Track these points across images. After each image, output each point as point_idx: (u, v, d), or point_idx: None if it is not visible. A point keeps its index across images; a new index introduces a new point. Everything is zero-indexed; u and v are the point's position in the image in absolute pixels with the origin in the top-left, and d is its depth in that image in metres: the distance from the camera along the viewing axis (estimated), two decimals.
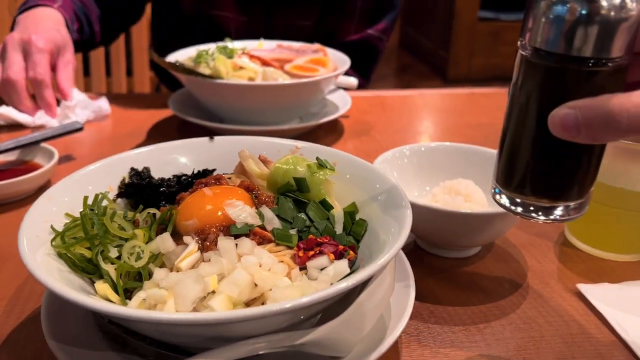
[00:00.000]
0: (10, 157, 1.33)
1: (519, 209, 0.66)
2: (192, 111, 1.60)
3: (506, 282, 0.98)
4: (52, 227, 0.76)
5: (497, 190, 0.69)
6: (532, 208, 0.65)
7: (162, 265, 0.76)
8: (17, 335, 0.84)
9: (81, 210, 0.81)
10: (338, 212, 0.86)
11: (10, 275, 0.98)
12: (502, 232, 1.01)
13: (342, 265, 0.73)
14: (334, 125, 1.68)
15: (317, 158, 0.89)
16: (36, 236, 0.73)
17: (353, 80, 1.76)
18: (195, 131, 1.58)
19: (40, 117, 1.57)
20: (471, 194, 1.02)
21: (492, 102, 1.93)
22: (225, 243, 0.72)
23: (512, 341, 0.85)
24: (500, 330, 0.87)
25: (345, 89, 1.77)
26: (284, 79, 1.51)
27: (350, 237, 0.83)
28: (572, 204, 0.64)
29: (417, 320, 0.88)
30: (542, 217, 0.65)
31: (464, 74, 6.66)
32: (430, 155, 1.13)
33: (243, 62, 1.53)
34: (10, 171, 1.29)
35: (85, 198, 0.80)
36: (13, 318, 0.88)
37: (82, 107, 1.62)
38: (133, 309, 0.58)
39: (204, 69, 1.48)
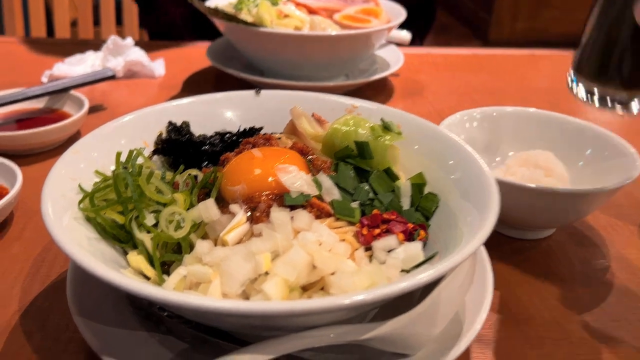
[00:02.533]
0: (38, 104, 1.24)
1: (596, 99, 0.69)
2: (230, 63, 1.48)
3: (586, 271, 0.86)
4: (80, 186, 0.66)
5: (574, 80, 0.72)
6: (609, 99, 0.68)
7: (204, 237, 0.66)
8: (42, 302, 0.76)
9: (113, 168, 0.71)
10: (404, 183, 0.74)
11: (36, 234, 0.90)
12: (588, 213, 0.88)
13: (415, 248, 0.62)
14: (383, 84, 1.54)
15: (382, 120, 0.77)
16: (62, 196, 0.63)
17: (405, 35, 1.61)
18: (233, 85, 1.46)
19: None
20: (552, 167, 0.89)
21: (555, 65, 1.76)
22: (279, 215, 0.61)
23: (599, 341, 0.73)
24: (585, 327, 0.75)
25: (397, 44, 1.62)
26: (333, 30, 1.37)
27: (419, 214, 0.71)
28: None
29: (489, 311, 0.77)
30: (619, 108, 0.68)
31: (505, 37, 6.35)
32: (503, 121, 0.99)
33: (289, 9, 1.39)
34: (37, 119, 1.20)
35: (118, 154, 0.70)
36: (38, 282, 0.79)
37: (133, 59, 1.51)
38: (174, 293, 0.48)
39: (245, 16, 1.35)
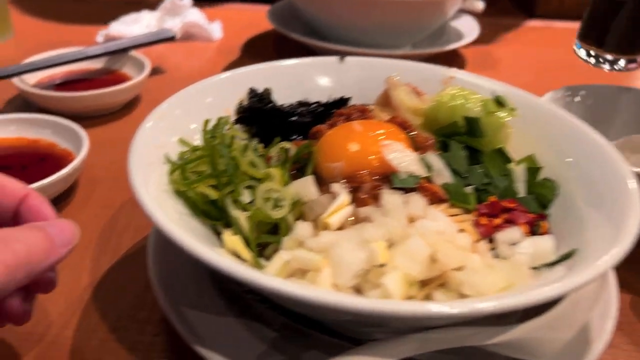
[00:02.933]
0: (96, 64, 1.18)
1: (592, 60, 0.91)
2: (291, 26, 1.40)
3: None
4: (167, 157, 0.60)
5: (578, 45, 0.94)
6: (601, 59, 0.90)
7: (301, 217, 0.59)
8: (114, 276, 0.71)
9: (198, 137, 0.64)
10: (519, 167, 0.66)
11: (102, 201, 0.85)
12: None
13: (546, 243, 0.55)
14: (452, 56, 1.44)
15: (495, 93, 0.69)
16: (149, 166, 0.57)
17: (479, 3, 1.49)
18: (294, 49, 1.38)
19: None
20: None
21: None
22: (392, 199, 0.54)
23: None
24: None
25: (468, 12, 1.51)
26: None
27: (536, 203, 0.64)
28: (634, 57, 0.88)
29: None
30: (608, 65, 0.90)
31: (554, 10, 6.08)
32: (612, 101, 0.89)
33: None
34: (96, 81, 1.14)
35: (206, 122, 0.64)
36: (108, 254, 0.75)
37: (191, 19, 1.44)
38: (296, 287, 0.42)
39: None
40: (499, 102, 0.67)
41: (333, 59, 0.83)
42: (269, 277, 0.44)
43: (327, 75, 0.82)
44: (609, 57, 0.90)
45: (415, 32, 1.37)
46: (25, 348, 0.61)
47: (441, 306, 0.40)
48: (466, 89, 0.69)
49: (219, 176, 0.56)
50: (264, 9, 1.45)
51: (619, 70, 0.90)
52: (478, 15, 1.55)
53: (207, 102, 0.73)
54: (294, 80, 0.81)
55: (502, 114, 0.66)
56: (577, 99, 0.89)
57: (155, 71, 1.28)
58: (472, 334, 0.49)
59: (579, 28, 0.93)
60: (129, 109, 1.11)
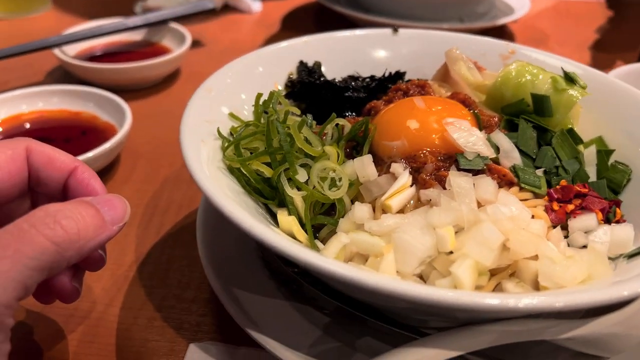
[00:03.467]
0: (136, 36, 1.16)
1: None
2: None
3: None
4: (218, 131, 0.57)
5: None
6: None
7: (357, 199, 0.56)
8: (159, 254, 0.70)
9: (250, 110, 0.62)
10: (588, 149, 0.62)
11: (144, 176, 0.84)
12: None
13: (625, 232, 0.51)
14: (500, 31, 1.38)
15: (564, 70, 0.64)
16: (202, 141, 0.55)
17: None
18: (334, 21, 1.34)
19: None
20: None
21: None
22: (461, 181, 0.51)
23: None
24: None
25: None
26: None
27: (606, 187, 0.59)
28: None
29: None
30: None
31: None
32: None
33: None
34: (136, 53, 1.12)
35: (258, 96, 0.61)
36: (152, 232, 0.73)
37: None
38: (363, 274, 0.39)
39: None
40: (570, 79, 0.62)
41: (386, 31, 0.79)
42: (332, 261, 0.41)
43: (380, 48, 0.78)
44: None
45: (463, 5, 1.31)
46: (71, 325, 0.60)
47: (530, 299, 0.37)
48: (533, 65, 0.65)
49: (273, 153, 0.53)
50: None
51: None
52: None
53: (256, 75, 0.70)
54: (346, 53, 0.77)
55: (573, 92, 0.61)
56: None
57: (194, 44, 1.25)
58: (548, 327, 0.45)
59: None
60: (169, 82, 1.09)
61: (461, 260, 0.45)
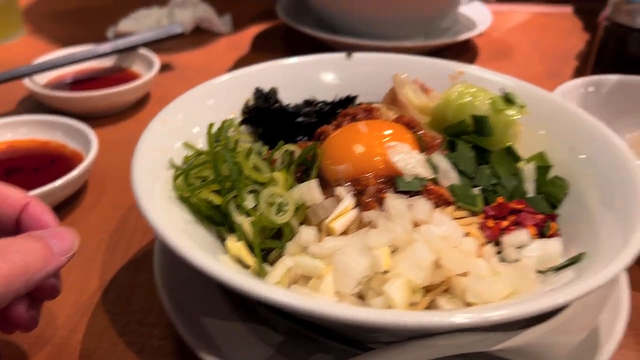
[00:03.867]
0: (106, 62, 1.18)
1: None
2: (300, 19, 1.39)
3: None
4: (171, 161, 0.60)
5: None
6: None
7: (305, 222, 0.59)
8: (123, 279, 0.72)
9: (202, 141, 0.64)
10: (528, 166, 0.65)
11: (112, 202, 0.86)
12: None
13: (553, 247, 0.54)
14: (465, 45, 1.42)
15: (504, 90, 0.67)
16: (153, 172, 0.57)
17: None
18: (303, 43, 1.37)
19: None
20: None
21: None
22: (396, 203, 0.53)
23: None
24: None
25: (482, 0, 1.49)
26: None
27: (545, 202, 0.62)
28: None
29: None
30: None
31: None
32: (626, 92, 0.87)
33: None
34: (106, 79, 1.15)
35: (210, 126, 0.63)
36: (118, 257, 0.75)
37: (198, 14, 1.43)
38: (286, 294, 0.42)
39: None
40: (508, 100, 0.65)
41: (340, 56, 0.82)
42: (268, 287, 0.44)
43: (334, 72, 0.81)
44: None
45: (427, 22, 1.34)
46: (34, 351, 0.62)
47: (442, 316, 0.40)
48: (474, 85, 0.68)
49: (222, 181, 0.56)
50: (274, 1, 1.44)
51: None
52: (490, 2, 1.52)
53: (211, 104, 0.72)
54: (300, 78, 0.80)
55: (511, 111, 0.64)
56: (591, 89, 0.86)
57: (165, 67, 1.28)
58: (479, 340, 0.48)
59: None
60: (139, 107, 1.11)
61: (394, 279, 0.48)
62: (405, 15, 1.29)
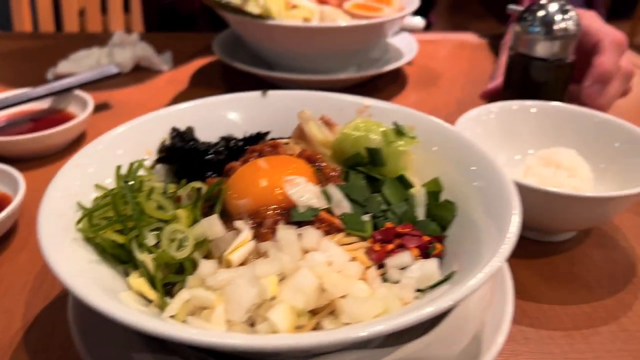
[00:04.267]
0: (43, 104, 1.21)
1: None
2: (238, 55, 1.45)
3: (611, 275, 0.82)
4: (79, 203, 0.63)
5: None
6: None
7: (208, 255, 0.63)
8: (45, 319, 0.74)
9: (114, 181, 0.68)
10: (419, 192, 0.70)
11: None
12: (613, 216, 0.84)
13: (431, 266, 0.59)
14: (396, 74, 1.49)
15: (395, 123, 0.73)
16: (61, 215, 0.61)
17: (419, 21, 1.55)
18: (241, 79, 1.42)
19: None
20: (575, 166, 0.85)
21: None
22: (286, 234, 0.58)
23: (626, 354, 0.69)
24: (611, 339, 0.72)
25: (410, 30, 1.57)
26: (343, 20, 1.32)
27: (435, 224, 0.68)
28: None
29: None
30: None
31: None
32: (523, 116, 0.94)
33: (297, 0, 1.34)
34: (42, 121, 1.17)
35: (118, 168, 0.67)
36: (41, 297, 0.77)
37: (136, 54, 1.47)
38: (171, 327, 0.45)
39: (253, 8, 1.30)
40: (399, 132, 0.71)
41: (256, 94, 0.87)
42: (156, 321, 0.48)
43: (250, 110, 0.86)
44: None
45: (358, 55, 1.41)
46: None
47: (304, 338, 0.44)
48: (370, 120, 0.73)
49: (124, 221, 0.60)
50: (214, 37, 1.50)
51: None
52: (421, 32, 1.61)
53: (131, 143, 0.76)
54: (218, 116, 0.85)
55: (401, 142, 0.70)
56: (492, 116, 0.93)
57: (102, 107, 1.31)
58: (359, 358, 0.52)
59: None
60: (75, 148, 1.14)
61: (277, 305, 0.52)
62: (336, 49, 1.35)
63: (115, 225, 0.60)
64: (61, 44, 1.65)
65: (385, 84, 1.45)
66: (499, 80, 1.22)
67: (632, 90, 1.23)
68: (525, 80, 1.10)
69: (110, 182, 0.69)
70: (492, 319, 0.64)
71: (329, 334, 0.45)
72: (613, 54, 1.09)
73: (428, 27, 1.84)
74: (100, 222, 0.61)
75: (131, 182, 0.65)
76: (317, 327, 0.54)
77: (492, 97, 1.22)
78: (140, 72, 1.49)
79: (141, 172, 0.70)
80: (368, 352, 0.53)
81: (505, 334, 0.62)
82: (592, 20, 1.15)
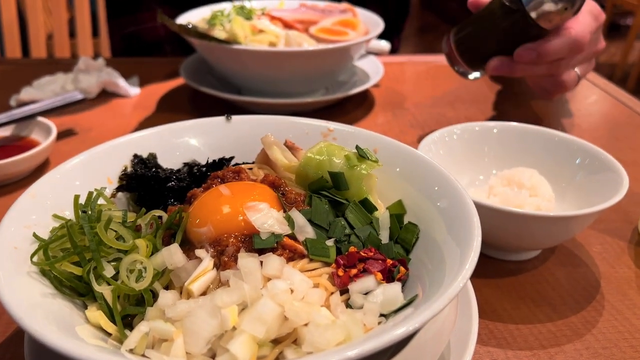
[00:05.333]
0: (5, 132, 1.19)
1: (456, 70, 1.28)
2: (205, 79, 1.44)
3: (576, 293, 0.83)
4: (35, 235, 0.62)
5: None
6: (461, 71, 1.27)
7: (169, 284, 0.62)
8: (4, 351, 0.71)
9: (72, 212, 0.66)
10: (383, 215, 0.70)
11: None
12: (575, 233, 0.85)
13: (394, 290, 0.58)
14: (364, 96, 1.51)
15: (357, 147, 0.73)
16: (15, 249, 0.59)
17: (385, 44, 1.57)
18: (209, 103, 1.42)
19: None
20: (536, 186, 0.86)
21: None
22: (247, 262, 0.57)
23: None
24: (576, 358, 0.72)
25: (376, 54, 1.59)
26: (309, 44, 1.33)
27: (398, 246, 0.68)
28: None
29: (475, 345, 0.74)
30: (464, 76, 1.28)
31: None
32: (485, 137, 0.96)
33: (263, 24, 1.35)
34: (4, 148, 1.15)
35: (76, 198, 0.66)
36: (1, 328, 0.75)
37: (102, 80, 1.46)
38: None
39: (219, 33, 1.31)
40: (361, 155, 0.71)
41: (220, 119, 0.87)
42: (112, 356, 0.46)
43: (213, 135, 0.85)
44: (462, 69, 1.26)
45: (324, 79, 1.43)
46: None
47: None
48: (332, 144, 0.74)
49: (81, 252, 0.58)
50: (182, 62, 1.49)
51: (469, 79, 1.28)
52: (387, 55, 1.63)
53: (91, 172, 0.75)
54: (181, 142, 0.84)
55: (363, 166, 0.70)
56: (455, 137, 0.94)
57: (67, 133, 1.29)
58: None
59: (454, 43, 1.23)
60: (38, 175, 1.11)
61: (237, 336, 0.51)
62: (302, 73, 1.36)
63: (72, 257, 0.58)
64: (26, 69, 1.63)
65: (353, 107, 1.46)
66: None
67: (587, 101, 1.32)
68: (496, 29, 1.11)
69: (69, 214, 0.68)
70: (457, 340, 0.64)
71: None
72: (589, 25, 1.10)
73: (394, 52, 1.87)
74: (56, 254, 0.59)
75: (89, 212, 0.63)
76: (279, 357, 0.53)
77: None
78: (106, 98, 1.48)
79: (101, 201, 0.69)
80: None
81: (471, 355, 0.62)
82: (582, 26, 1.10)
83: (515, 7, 1.05)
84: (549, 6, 1.03)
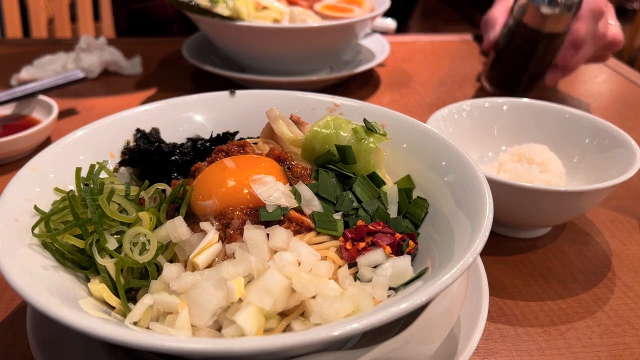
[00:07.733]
0: (6, 111, 1.17)
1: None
2: (208, 58, 1.42)
3: (586, 270, 0.82)
4: (36, 207, 0.60)
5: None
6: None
7: (173, 258, 0.60)
8: (5, 331, 0.70)
9: (74, 185, 0.65)
10: (391, 189, 0.69)
11: None
12: (586, 210, 0.83)
13: (403, 263, 0.57)
14: (369, 75, 1.49)
15: (365, 120, 0.71)
16: (15, 220, 0.57)
17: (390, 23, 1.54)
18: (212, 82, 1.40)
19: None
20: (547, 162, 0.84)
21: None
22: (253, 234, 0.56)
23: (603, 349, 0.69)
24: (588, 334, 0.71)
25: (382, 32, 1.56)
26: (313, 21, 1.30)
27: (407, 221, 0.66)
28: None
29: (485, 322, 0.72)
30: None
31: None
32: (496, 113, 0.94)
33: (267, 1, 1.32)
34: (5, 127, 1.13)
35: (78, 170, 0.64)
36: (1, 309, 0.74)
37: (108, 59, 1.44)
38: (131, 333, 0.43)
39: (222, 9, 1.28)
40: (369, 128, 0.69)
41: (223, 94, 0.85)
42: (116, 328, 0.45)
43: (217, 110, 0.84)
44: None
45: (328, 57, 1.40)
46: None
47: (268, 340, 0.42)
48: (340, 117, 0.72)
49: (83, 225, 0.57)
50: (183, 42, 1.47)
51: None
52: (393, 34, 1.60)
53: (93, 146, 0.73)
54: (184, 117, 0.82)
55: (371, 139, 0.68)
56: (464, 114, 0.92)
57: (69, 112, 1.28)
58: (340, 357, 0.50)
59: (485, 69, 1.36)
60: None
61: (244, 308, 0.50)
62: (306, 50, 1.34)
63: (74, 229, 0.57)
64: (27, 50, 1.61)
65: (358, 86, 1.44)
66: (497, 30, 1.30)
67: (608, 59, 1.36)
68: (523, 50, 1.20)
69: (71, 187, 0.67)
70: (467, 316, 0.63)
71: (297, 335, 0.43)
72: (588, 20, 1.17)
73: (405, 30, 1.84)
74: (58, 227, 0.58)
75: (92, 185, 0.62)
76: (287, 330, 0.52)
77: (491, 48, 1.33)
78: (108, 77, 1.46)
79: (103, 175, 0.67)
80: (343, 353, 0.51)
81: (481, 331, 0.61)
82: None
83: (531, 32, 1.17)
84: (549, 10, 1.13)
